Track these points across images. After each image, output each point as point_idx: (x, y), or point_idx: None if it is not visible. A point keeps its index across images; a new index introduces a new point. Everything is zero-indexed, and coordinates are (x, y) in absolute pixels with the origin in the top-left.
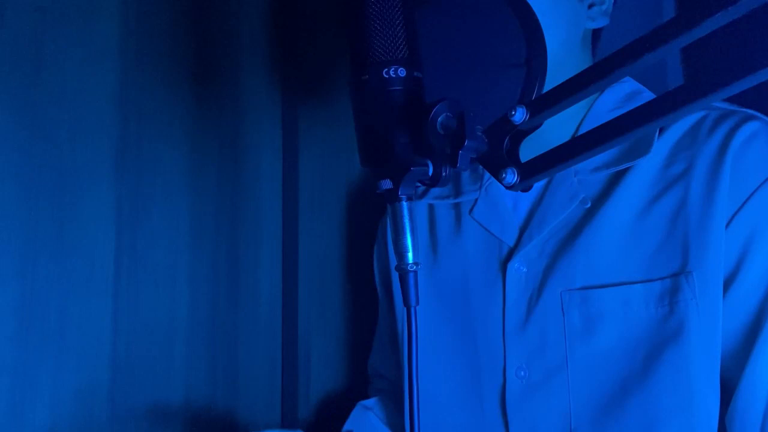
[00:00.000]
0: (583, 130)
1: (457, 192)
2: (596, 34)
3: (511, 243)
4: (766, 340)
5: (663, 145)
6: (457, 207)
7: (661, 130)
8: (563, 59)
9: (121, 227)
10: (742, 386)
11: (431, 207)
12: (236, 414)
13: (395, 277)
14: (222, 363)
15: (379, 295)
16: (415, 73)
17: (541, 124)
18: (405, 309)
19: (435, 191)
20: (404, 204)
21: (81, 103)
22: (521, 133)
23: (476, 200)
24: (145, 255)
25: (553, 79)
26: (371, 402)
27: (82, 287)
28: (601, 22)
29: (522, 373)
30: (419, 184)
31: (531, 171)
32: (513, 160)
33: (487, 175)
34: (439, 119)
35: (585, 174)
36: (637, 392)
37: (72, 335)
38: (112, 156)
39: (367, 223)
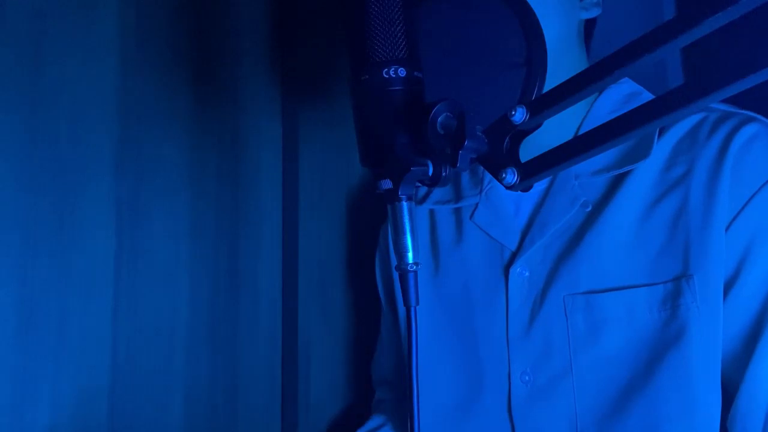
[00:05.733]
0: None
1: (458, 197)
2: (590, 25)
3: (513, 247)
4: (767, 343)
5: (663, 147)
6: (457, 212)
7: (661, 133)
8: (559, 52)
9: (121, 227)
10: (744, 389)
11: (432, 212)
12: (236, 415)
13: (397, 280)
14: (222, 363)
15: (382, 302)
16: (415, 73)
17: (541, 124)
18: (405, 309)
19: (435, 196)
20: (404, 204)
21: (81, 103)
22: (521, 133)
23: (477, 205)
24: (145, 255)
25: (551, 71)
26: (369, 426)
27: (82, 287)
28: (594, 12)
29: (527, 377)
30: (419, 184)
31: (531, 171)
32: (513, 160)
33: (488, 179)
34: (439, 119)
35: (585, 177)
36: (641, 396)
37: (72, 335)
38: (112, 156)
39: (367, 224)
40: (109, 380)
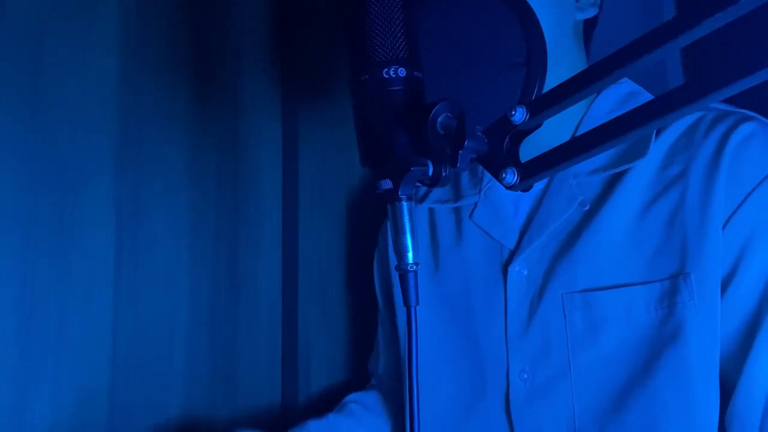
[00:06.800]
0: (581, 132)
1: (457, 196)
2: (589, 26)
3: (512, 246)
4: (764, 340)
5: (660, 146)
6: (457, 211)
7: (658, 132)
8: (556, 52)
9: (121, 227)
10: (741, 387)
11: (432, 211)
12: (236, 414)
13: (396, 280)
14: (222, 362)
15: (379, 302)
16: (415, 73)
17: (541, 124)
18: (405, 309)
19: (435, 195)
20: (404, 204)
21: (81, 103)
22: (521, 133)
23: (476, 204)
24: (146, 255)
25: (550, 72)
26: (354, 395)
27: (82, 287)
28: (591, 12)
29: (525, 375)
30: (419, 184)
31: (531, 171)
32: (513, 160)
33: (487, 179)
34: (439, 119)
35: (583, 176)
36: (639, 394)
37: (72, 335)
38: (112, 156)
39: (367, 223)
40: (109, 380)
